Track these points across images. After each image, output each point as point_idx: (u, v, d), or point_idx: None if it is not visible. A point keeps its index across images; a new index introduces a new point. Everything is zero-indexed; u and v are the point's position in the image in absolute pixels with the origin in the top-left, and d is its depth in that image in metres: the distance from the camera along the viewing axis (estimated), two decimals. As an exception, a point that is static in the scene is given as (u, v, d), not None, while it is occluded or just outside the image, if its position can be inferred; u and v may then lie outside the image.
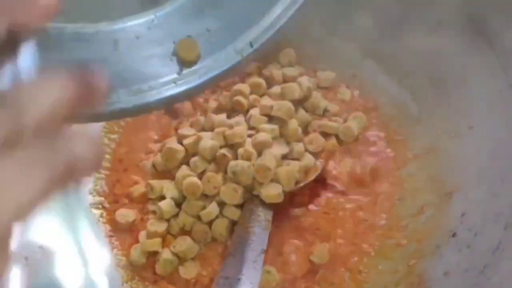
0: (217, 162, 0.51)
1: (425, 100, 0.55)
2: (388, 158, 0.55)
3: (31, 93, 0.19)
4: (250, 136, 0.52)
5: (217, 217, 0.49)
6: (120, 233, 0.51)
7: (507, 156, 0.46)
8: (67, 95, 0.20)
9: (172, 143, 0.54)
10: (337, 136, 0.56)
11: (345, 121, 0.57)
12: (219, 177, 0.49)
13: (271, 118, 0.54)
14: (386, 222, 0.50)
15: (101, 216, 0.52)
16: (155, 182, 0.52)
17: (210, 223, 0.49)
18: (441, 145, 0.52)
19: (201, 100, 0.59)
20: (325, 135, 0.55)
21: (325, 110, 0.57)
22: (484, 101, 0.50)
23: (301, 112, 0.56)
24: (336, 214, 0.51)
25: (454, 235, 0.45)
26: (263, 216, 0.48)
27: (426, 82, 0.55)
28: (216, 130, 0.52)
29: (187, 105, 0.59)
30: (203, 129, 0.55)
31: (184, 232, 0.50)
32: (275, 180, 0.49)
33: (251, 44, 0.34)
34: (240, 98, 0.55)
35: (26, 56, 0.22)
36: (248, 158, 0.50)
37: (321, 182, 0.53)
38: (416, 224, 0.49)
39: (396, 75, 0.58)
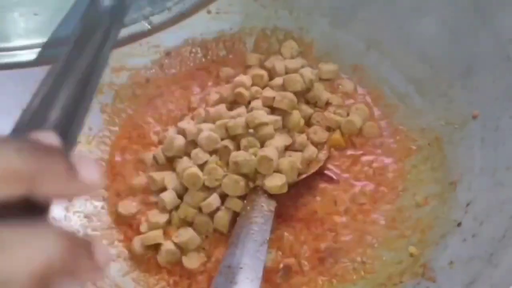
0: (219, 154, 0.50)
1: (429, 91, 0.55)
2: (391, 149, 0.54)
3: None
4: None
5: (219, 208, 0.49)
6: (122, 225, 0.51)
7: (512, 145, 0.45)
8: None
9: (172, 131, 0.54)
10: (339, 129, 0.55)
11: (347, 113, 0.56)
12: (220, 169, 0.49)
13: (273, 110, 0.53)
14: (390, 213, 0.50)
15: (103, 208, 0.52)
16: (156, 174, 0.52)
17: (211, 214, 0.49)
18: (445, 136, 0.52)
19: (202, 92, 0.59)
20: (328, 127, 0.55)
21: (327, 102, 0.57)
22: (488, 91, 0.49)
23: (303, 104, 0.55)
24: (339, 205, 0.50)
25: (459, 224, 0.45)
26: (266, 207, 0.48)
27: (429, 72, 0.55)
28: (218, 122, 0.52)
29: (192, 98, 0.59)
30: (204, 122, 0.55)
31: (186, 223, 0.49)
32: (277, 171, 0.49)
33: None
34: (241, 90, 0.55)
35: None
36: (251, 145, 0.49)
37: (324, 173, 0.52)
38: (420, 214, 0.49)
39: (399, 66, 0.57)
